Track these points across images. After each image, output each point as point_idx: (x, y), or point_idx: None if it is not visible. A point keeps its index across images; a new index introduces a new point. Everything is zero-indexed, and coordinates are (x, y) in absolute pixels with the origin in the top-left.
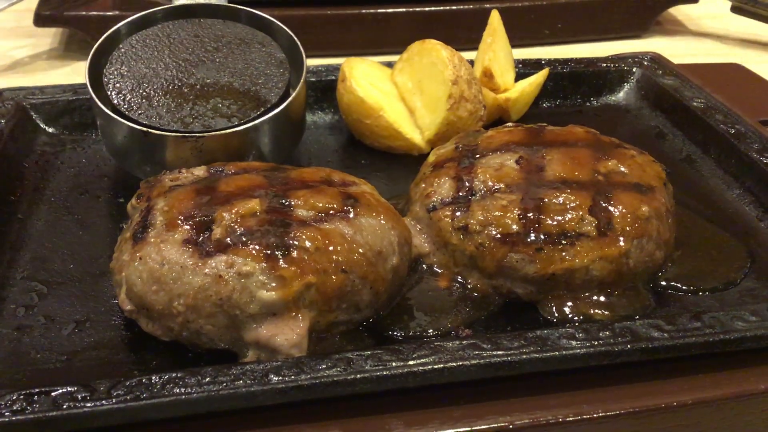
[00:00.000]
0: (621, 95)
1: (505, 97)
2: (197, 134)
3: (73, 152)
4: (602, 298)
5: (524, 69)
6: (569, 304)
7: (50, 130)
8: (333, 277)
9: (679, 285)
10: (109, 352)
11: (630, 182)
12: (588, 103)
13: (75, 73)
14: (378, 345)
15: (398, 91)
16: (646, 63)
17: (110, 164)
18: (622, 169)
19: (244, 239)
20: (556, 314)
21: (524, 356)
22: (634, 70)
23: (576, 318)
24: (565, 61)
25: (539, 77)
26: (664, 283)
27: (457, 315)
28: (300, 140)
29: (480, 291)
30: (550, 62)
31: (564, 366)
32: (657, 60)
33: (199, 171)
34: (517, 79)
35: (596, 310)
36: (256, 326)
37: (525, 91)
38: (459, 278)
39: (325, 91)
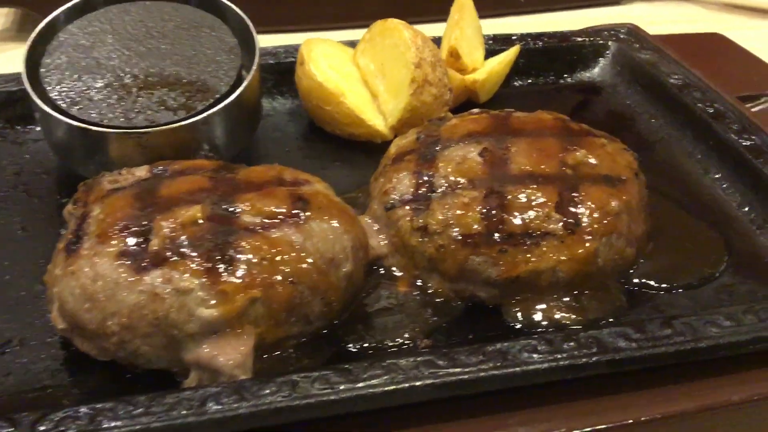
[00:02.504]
0: (596, 71)
1: (472, 78)
2: (140, 130)
3: (16, 147)
4: (571, 300)
5: (494, 45)
6: (535, 307)
7: None
8: (280, 289)
9: (651, 282)
10: (43, 374)
11: (599, 174)
12: (562, 81)
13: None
14: (332, 359)
15: (361, 73)
16: (622, 36)
17: (55, 161)
18: (591, 160)
19: (182, 251)
20: (522, 319)
21: (482, 374)
22: (610, 44)
23: (543, 322)
24: (538, 36)
25: (510, 55)
26: (636, 280)
27: (416, 323)
28: (255, 130)
29: (441, 295)
30: (522, 37)
31: (525, 382)
32: (634, 32)
33: (141, 171)
34: (487, 57)
35: (564, 314)
36: (196, 346)
37: (494, 70)
38: (419, 282)
39: (284, 74)
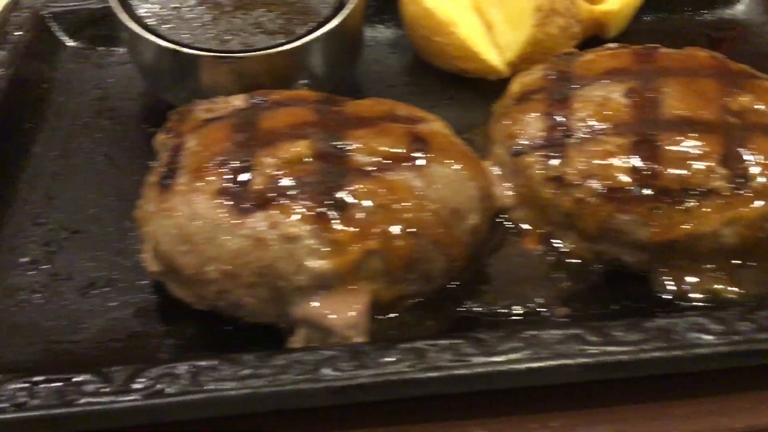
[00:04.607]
0: (740, 7)
1: (604, 9)
2: (235, 54)
3: (98, 70)
4: (733, 271)
5: None
6: (690, 277)
7: (72, 44)
8: (400, 241)
9: None
10: (134, 320)
11: None
12: (699, 18)
13: None
14: (455, 326)
15: (474, 1)
16: None
17: (141, 86)
18: (760, 106)
19: (289, 192)
20: (673, 289)
21: (643, 355)
22: None
23: (697, 295)
24: None
25: None
26: None
27: (548, 287)
28: (357, 61)
29: (577, 256)
30: None
31: (695, 368)
32: None
33: (238, 101)
34: None
35: (725, 287)
36: (305, 301)
37: (627, 1)
38: (550, 239)
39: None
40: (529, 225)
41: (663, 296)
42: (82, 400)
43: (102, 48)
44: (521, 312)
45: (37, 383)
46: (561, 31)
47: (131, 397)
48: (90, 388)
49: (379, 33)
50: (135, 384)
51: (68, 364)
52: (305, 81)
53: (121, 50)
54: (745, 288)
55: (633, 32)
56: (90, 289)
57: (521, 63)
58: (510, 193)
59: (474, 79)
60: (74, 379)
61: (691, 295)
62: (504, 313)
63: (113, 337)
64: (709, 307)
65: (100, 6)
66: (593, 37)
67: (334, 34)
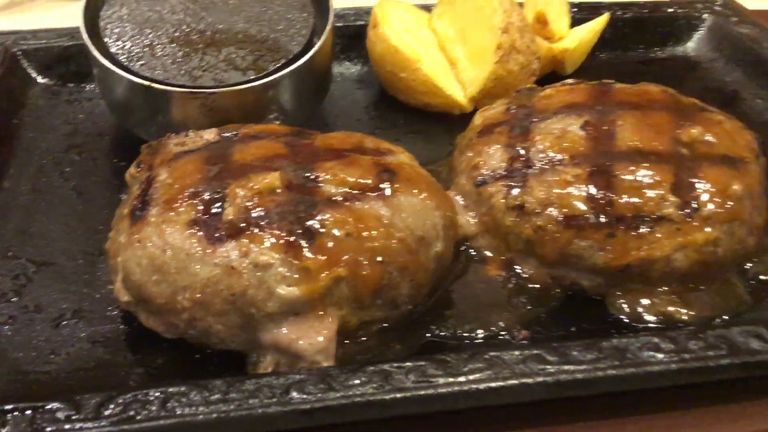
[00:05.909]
0: (690, 45)
1: (561, 47)
2: (207, 90)
3: (68, 106)
4: (685, 294)
5: (580, 14)
6: (645, 300)
7: (43, 80)
8: (367, 269)
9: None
10: (104, 349)
11: (718, 154)
12: (652, 54)
13: (76, 13)
14: (421, 350)
15: (438, 39)
16: (717, 8)
17: (111, 121)
18: (709, 138)
19: (261, 222)
20: (628, 311)
21: (599, 373)
22: (704, 16)
23: (653, 317)
24: (627, 5)
25: (598, 24)
26: (753, 273)
27: (510, 311)
28: (325, 96)
29: (537, 282)
30: (610, 6)
31: (649, 385)
32: (730, 5)
33: (210, 135)
34: (572, 26)
35: (677, 309)
36: (275, 327)
37: (583, 40)
38: (512, 265)
39: (354, 38)
40: (492, 252)
41: (619, 318)
42: (53, 428)
43: (72, 84)
44: (485, 335)
45: (6, 411)
46: (521, 68)
47: (101, 424)
48: (60, 415)
49: (345, 69)
50: (105, 410)
51: (38, 393)
52: (275, 116)
53: (91, 86)
54: (696, 310)
55: (589, 68)
56: (60, 320)
57: (483, 98)
58: (473, 221)
59: (438, 114)
60: (45, 407)
61: (646, 317)
62: (468, 336)
63: (83, 366)
64: (663, 328)
65: (70, 44)
66: (551, 73)
67: (303, 71)
